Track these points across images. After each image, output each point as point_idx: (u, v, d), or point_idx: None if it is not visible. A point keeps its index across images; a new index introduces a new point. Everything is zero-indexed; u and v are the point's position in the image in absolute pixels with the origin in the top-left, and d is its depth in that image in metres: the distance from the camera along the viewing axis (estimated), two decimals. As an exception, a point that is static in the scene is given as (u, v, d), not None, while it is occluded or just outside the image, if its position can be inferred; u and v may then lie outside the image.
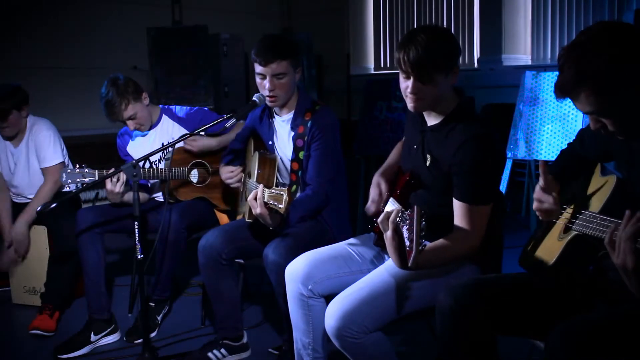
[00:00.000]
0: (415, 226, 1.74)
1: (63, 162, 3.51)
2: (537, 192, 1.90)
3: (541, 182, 1.89)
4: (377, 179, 2.29)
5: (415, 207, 1.76)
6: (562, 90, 1.56)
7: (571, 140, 2.05)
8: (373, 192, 2.24)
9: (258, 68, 2.59)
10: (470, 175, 1.98)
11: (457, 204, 2.02)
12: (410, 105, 2.06)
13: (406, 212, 1.82)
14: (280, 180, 2.83)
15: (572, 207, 1.83)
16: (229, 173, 2.89)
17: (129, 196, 3.03)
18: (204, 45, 6.21)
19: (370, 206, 2.23)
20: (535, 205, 1.91)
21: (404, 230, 1.82)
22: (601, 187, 1.77)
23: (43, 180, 3.49)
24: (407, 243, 1.79)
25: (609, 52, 1.49)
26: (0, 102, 3.33)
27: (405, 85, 2.02)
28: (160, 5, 6.62)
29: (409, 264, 1.76)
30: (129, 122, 3.18)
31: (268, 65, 2.55)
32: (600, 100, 1.52)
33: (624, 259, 1.42)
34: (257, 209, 2.33)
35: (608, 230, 1.51)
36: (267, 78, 2.58)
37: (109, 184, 2.88)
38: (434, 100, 2.04)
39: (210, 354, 2.80)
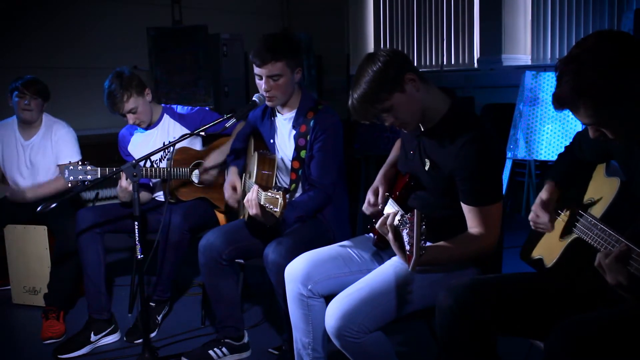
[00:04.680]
0: (415, 230, 1.75)
1: (81, 160, 3.54)
2: (537, 206, 1.89)
3: (544, 195, 1.89)
4: (377, 182, 2.31)
5: (415, 211, 1.77)
6: (560, 103, 1.56)
7: (568, 144, 2.04)
8: (369, 195, 2.28)
9: (255, 69, 2.61)
10: (474, 179, 1.99)
11: (466, 208, 2.03)
12: (405, 131, 2.15)
13: (406, 216, 1.83)
14: (281, 180, 2.83)
15: (574, 207, 1.83)
16: (231, 191, 2.86)
17: (143, 196, 3.04)
18: (204, 45, 6.21)
19: (367, 209, 2.27)
20: (531, 216, 1.91)
21: (404, 234, 1.83)
22: (605, 189, 1.77)
23: (46, 180, 3.53)
24: (407, 247, 1.80)
25: (606, 65, 1.48)
26: (36, 83, 3.52)
27: (383, 120, 2.05)
28: (160, 5, 6.62)
29: (410, 268, 1.77)
30: (129, 116, 3.18)
31: (263, 66, 2.56)
32: (599, 112, 1.51)
33: (614, 279, 1.44)
34: (253, 210, 2.38)
35: (602, 248, 1.53)
36: (263, 79, 2.59)
37: (123, 181, 2.88)
38: (418, 114, 2.06)
39: (211, 352, 2.81)
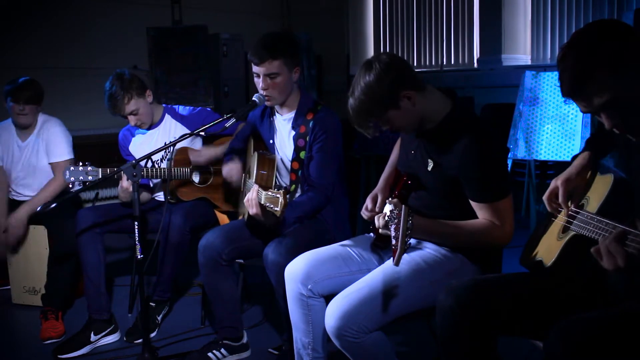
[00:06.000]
0: (402, 225, 1.77)
1: (73, 159, 3.53)
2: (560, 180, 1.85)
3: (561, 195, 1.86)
4: (377, 189, 2.32)
5: (403, 206, 1.78)
6: (575, 83, 1.52)
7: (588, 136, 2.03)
8: (368, 201, 2.29)
9: (253, 67, 2.62)
10: (480, 178, 2.00)
11: (476, 205, 2.04)
12: (404, 134, 2.16)
13: (394, 211, 1.84)
14: (280, 180, 2.83)
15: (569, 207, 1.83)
16: (227, 169, 2.90)
17: (142, 196, 3.04)
18: (204, 45, 6.20)
19: (364, 213, 2.29)
20: (547, 200, 1.87)
21: (392, 228, 1.84)
22: (598, 186, 1.77)
23: (44, 180, 3.51)
24: (393, 242, 1.81)
25: (609, 37, 1.49)
26: (29, 88, 3.45)
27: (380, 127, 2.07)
28: (160, 5, 6.61)
29: (393, 263, 1.79)
30: (130, 118, 3.18)
31: (261, 64, 2.57)
32: (619, 77, 1.49)
33: (612, 262, 1.44)
34: (253, 209, 2.38)
35: (600, 237, 1.52)
36: (261, 77, 2.59)
37: (125, 182, 2.88)
38: (415, 123, 2.07)
39: (210, 354, 2.80)
